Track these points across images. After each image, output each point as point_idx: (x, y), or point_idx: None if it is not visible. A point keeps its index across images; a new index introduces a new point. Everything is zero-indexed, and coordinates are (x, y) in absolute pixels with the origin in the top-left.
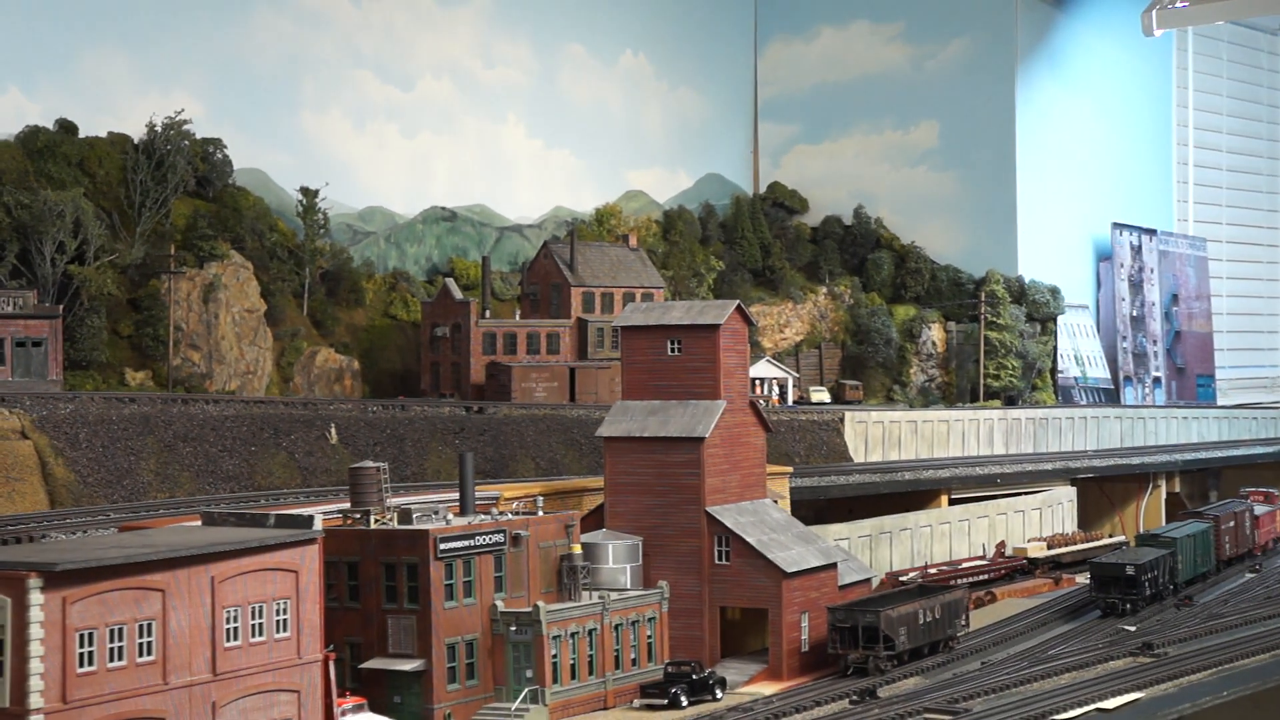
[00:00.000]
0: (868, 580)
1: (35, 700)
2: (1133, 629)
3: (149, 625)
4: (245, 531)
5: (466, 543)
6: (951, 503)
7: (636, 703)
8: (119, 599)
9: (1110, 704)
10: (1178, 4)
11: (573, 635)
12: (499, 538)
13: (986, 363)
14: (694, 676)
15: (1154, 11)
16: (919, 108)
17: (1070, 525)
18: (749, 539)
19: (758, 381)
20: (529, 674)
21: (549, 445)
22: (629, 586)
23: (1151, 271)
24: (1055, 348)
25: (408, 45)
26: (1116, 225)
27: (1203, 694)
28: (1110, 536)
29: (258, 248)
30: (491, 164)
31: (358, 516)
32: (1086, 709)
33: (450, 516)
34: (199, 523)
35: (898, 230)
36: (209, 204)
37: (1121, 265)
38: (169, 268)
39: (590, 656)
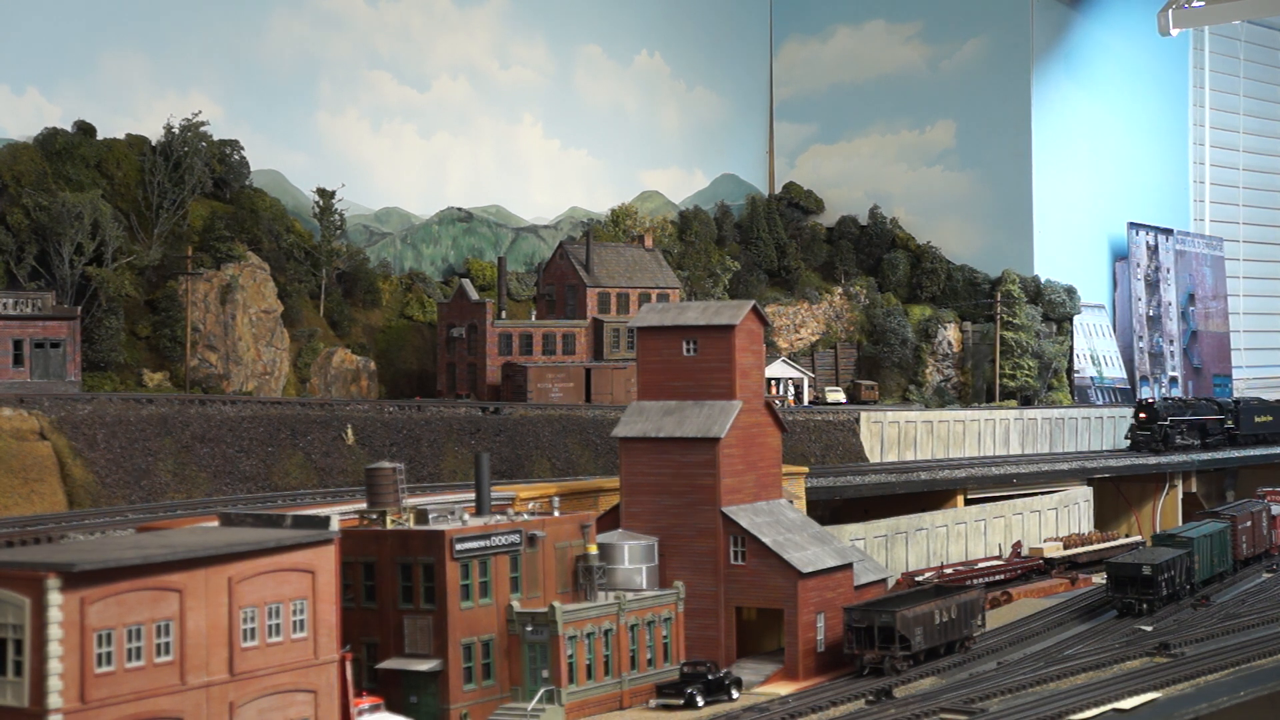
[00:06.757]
0: (883, 580)
1: (54, 700)
2: (1149, 629)
3: (167, 625)
4: (262, 532)
5: (483, 543)
6: (967, 503)
7: (652, 703)
8: (137, 599)
9: (1127, 704)
10: (1194, 3)
11: (589, 635)
12: (515, 538)
13: (1002, 363)
14: (710, 677)
15: (1170, 11)
16: (935, 108)
17: (1086, 525)
18: (764, 539)
19: (773, 382)
20: (545, 674)
21: (565, 445)
22: (645, 587)
23: (1168, 271)
24: (1071, 348)
25: (424, 46)
26: (1133, 225)
27: (1220, 694)
28: (1127, 536)
29: (274, 249)
30: (507, 165)
31: (374, 517)
32: (1103, 709)
33: (466, 517)
34: (216, 523)
35: (913, 230)
36: (226, 205)
37: (1138, 265)
38: (186, 269)
39: (606, 657)
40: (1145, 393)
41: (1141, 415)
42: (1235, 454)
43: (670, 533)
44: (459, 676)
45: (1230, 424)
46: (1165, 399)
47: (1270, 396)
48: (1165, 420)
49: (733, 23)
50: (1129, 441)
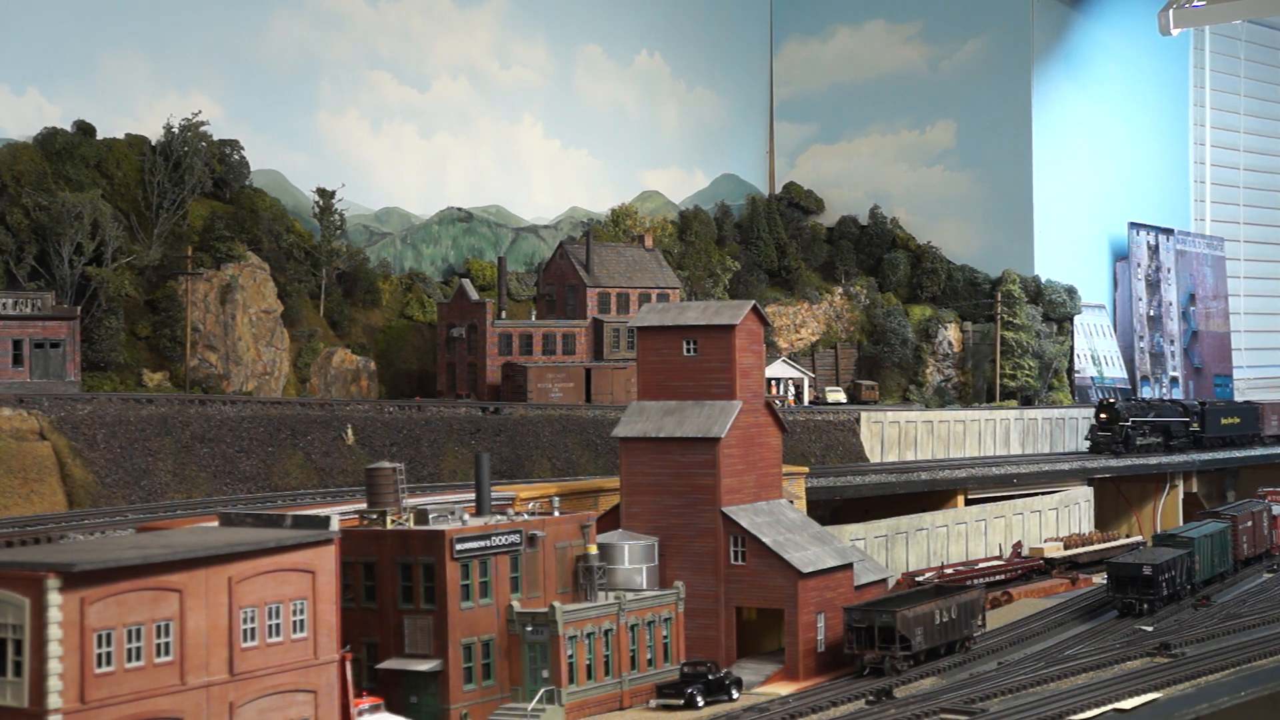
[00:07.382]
0: (884, 580)
1: (54, 700)
2: (1150, 629)
3: (166, 626)
4: (262, 532)
5: (483, 543)
6: (968, 503)
7: (652, 703)
8: (137, 599)
9: (1128, 704)
10: (1194, 3)
11: (589, 635)
12: (515, 538)
13: (1003, 363)
14: (710, 677)
15: (1171, 11)
16: (935, 107)
17: (1087, 525)
18: (765, 539)
19: (773, 382)
20: (545, 674)
21: (565, 446)
22: (645, 587)
23: (1169, 271)
24: (1072, 348)
25: (425, 46)
26: (1133, 225)
27: (1220, 694)
28: (1127, 536)
29: (274, 249)
30: (507, 165)
31: (374, 517)
32: (1104, 709)
33: (466, 517)
34: (216, 523)
35: (914, 230)
36: (226, 205)
37: (1139, 265)
38: (186, 269)
39: (606, 657)
40: (1146, 392)
41: (1102, 415)
42: (1237, 454)
43: (670, 533)
44: (459, 676)
45: (1195, 426)
46: (1128, 399)
47: (1270, 398)
48: (1126, 421)
49: (733, 23)
50: (1089, 443)
